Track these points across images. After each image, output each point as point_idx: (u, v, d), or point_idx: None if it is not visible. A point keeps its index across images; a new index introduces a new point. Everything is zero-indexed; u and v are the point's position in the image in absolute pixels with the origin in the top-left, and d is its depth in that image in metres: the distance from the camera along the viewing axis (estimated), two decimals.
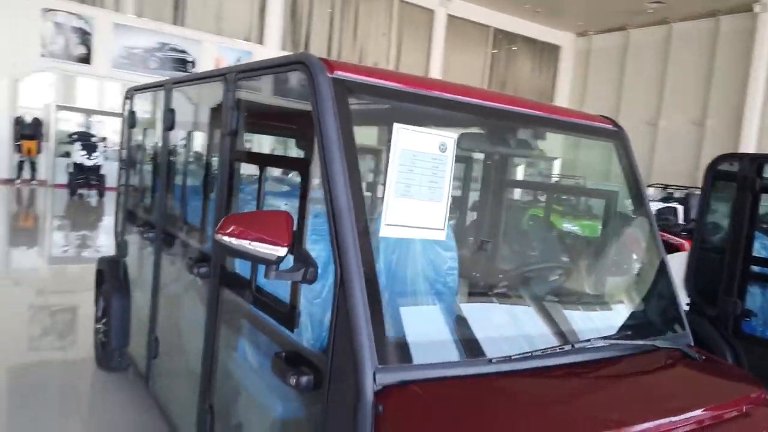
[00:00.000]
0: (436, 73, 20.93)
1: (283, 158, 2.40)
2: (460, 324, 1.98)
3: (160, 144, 3.18)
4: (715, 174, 4.22)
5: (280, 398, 1.92)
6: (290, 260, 1.74)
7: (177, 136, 2.99)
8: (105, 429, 3.28)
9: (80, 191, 13.43)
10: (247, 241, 1.63)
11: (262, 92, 2.19)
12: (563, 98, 24.29)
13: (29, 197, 13.33)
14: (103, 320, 3.78)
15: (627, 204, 2.42)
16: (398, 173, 1.78)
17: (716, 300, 4.12)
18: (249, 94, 2.22)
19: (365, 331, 1.48)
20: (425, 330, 1.82)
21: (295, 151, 3.15)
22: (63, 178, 13.88)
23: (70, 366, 4.08)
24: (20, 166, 14.33)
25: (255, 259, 1.67)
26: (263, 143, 3.10)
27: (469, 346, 1.79)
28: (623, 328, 2.12)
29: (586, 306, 2.32)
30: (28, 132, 14.20)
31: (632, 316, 2.33)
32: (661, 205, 12.14)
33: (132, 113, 3.70)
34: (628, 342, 1.92)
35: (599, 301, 2.40)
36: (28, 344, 4.44)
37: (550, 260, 2.73)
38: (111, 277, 3.75)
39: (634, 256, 2.46)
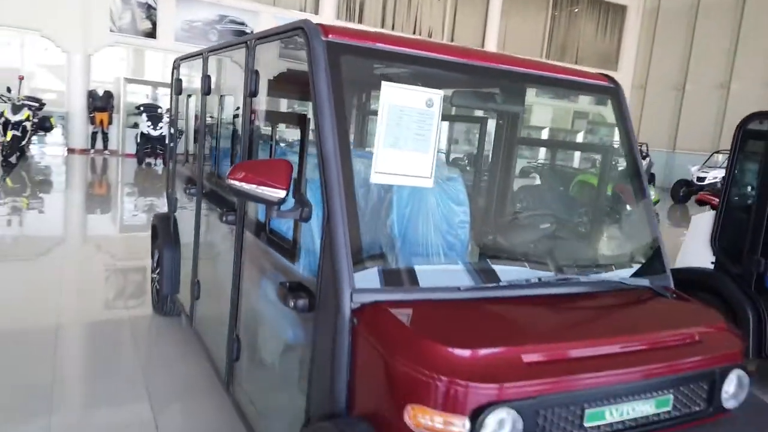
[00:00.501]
0: (492, 40, 20.63)
1: (287, 114, 2.64)
2: (439, 257, 2.21)
3: (199, 108, 3.51)
4: (744, 133, 4.20)
5: (289, 324, 2.22)
6: (292, 202, 2.02)
7: (213, 100, 3.30)
8: (160, 365, 3.71)
9: (147, 160, 14.22)
10: (254, 185, 1.91)
11: (275, 57, 2.43)
12: (628, 63, 23.44)
13: (102, 166, 14.24)
14: (157, 270, 4.20)
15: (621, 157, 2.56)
16: (386, 126, 2.00)
17: (740, 258, 4.14)
18: (265, 58, 2.49)
19: (345, 259, 1.74)
20: (403, 261, 2.06)
21: (300, 109, 3.41)
22: (132, 148, 14.73)
23: (137, 318, 4.55)
24: (93, 136, 15.31)
25: (259, 200, 1.95)
26: (279, 104, 3.35)
27: (444, 276, 2.03)
28: (601, 267, 2.29)
29: (571, 248, 2.50)
30: (100, 104, 15.12)
31: (613, 258, 2.50)
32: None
33: (178, 81, 4.05)
34: (595, 279, 2.10)
35: (585, 245, 2.57)
36: (102, 300, 4.96)
37: (547, 210, 2.89)
38: (162, 231, 4.16)
39: (623, 206, 2.60)
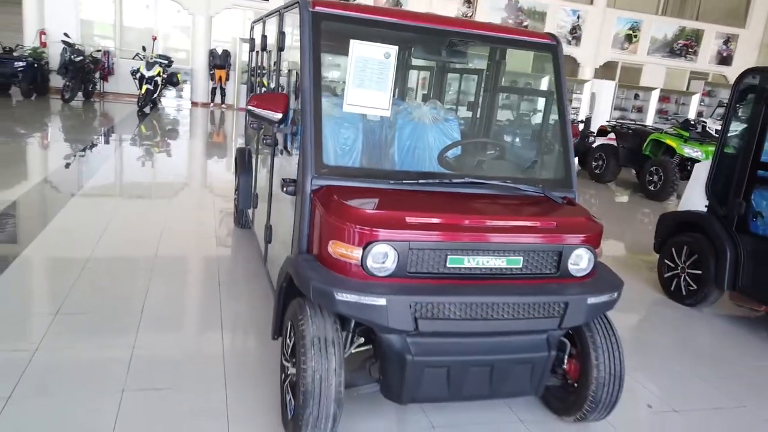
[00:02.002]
0: None
1: (294, 65, 3.53)
2: (384, 161, 3.11)
3: (263, 61, 4.56)
4: (741, 87, 4.60)
5: (289, 206, 3.20)
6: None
7: (268, 55, 4.33)
8: (230, 257, 4.91)
9: None
10: (261, 109, 2.91)
11: (293, 22, 3.37)
12: (758, 20, 21.92)
13: (220, 118, 16.07)
14: (236, 191, 5.39)
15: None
16: (354, 72, 2.89)
17: (727, 202, 4.62)
18: (289, 23, 3.45)
19: (310, 160, 2.69)
20: (350, 163, 2.99)
21: None
22: (245, 103, 16.41)
23: (223, 230, 5.81)
24: (213, 92, 17.21)
25: (266, 120, 2.94)
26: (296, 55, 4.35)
27: (383, 174, 2.93)
28: (521, 181, 3.03)
29: (501, 167, 3.29)
30: (219, 62, 16.93)
31: (533, 175, 3.26)
32: None
33: (252, 40, 5.13)
34: (500, 185, 2.90)
35: (513, 166, 3.35)
36: (215, 235, 6.29)
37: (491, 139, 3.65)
38: (240, 160, 5.33)
39: (549, 141, 3.34)
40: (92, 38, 17.25)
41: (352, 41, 2.86)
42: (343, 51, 2.91)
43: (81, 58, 14.80)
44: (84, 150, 9.24)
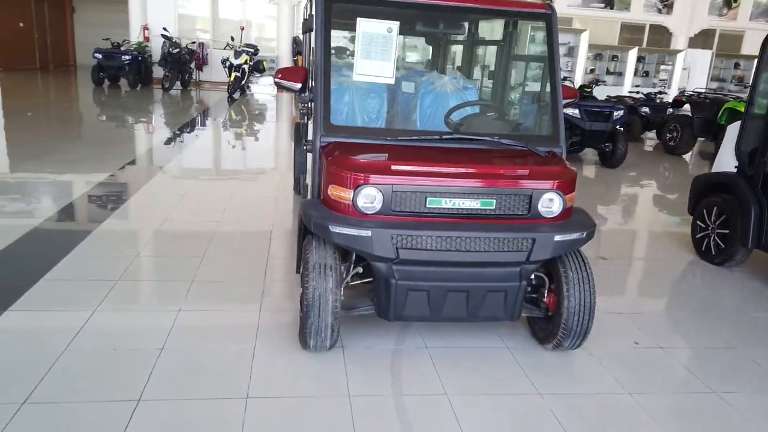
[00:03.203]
0: None
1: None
2: (384, 121, 3.59)
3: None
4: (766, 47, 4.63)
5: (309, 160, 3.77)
6: None
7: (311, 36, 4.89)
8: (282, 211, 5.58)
9: None
10: (284, 80, 3.48)
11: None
12: None
13: None
14: (300, 171, 6.04)
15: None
16: (362, 46, 3.40)
17: (754, 162, 4.70)
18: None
19: (320, 120, 3.23)
20: (355, 123, 3.50)
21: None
22: None
23: (285, 198, 6.50)
24: None
25: (288, 89, 3.51)
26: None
27: (381, 132, 3.42)
28: (505, 136, 3.42)
29: (495, 126, 3.67)
30: (301, 49, 17.84)
31: (520, 130, 3.61)
32: None
33: (305, 20, 5.72)
34: (488, 139, 3.30)
35: (507, 125, 3.71)
36: (276, 200, 7.02)
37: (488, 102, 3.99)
38: (296, 133, 5.97)
39: (541, 102, 3.67)
40: (190, 31, 18.73)
41: (358, 19, 3.35)
42: (352, 27, 3.41)
43: (178, 50, 16.19)
44: (177, 132, 10.34)
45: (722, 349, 3.56)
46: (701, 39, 21.57)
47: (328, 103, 3.28)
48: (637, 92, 13.82)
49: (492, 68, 4.20)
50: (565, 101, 3.68)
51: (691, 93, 11.88)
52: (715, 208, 5.03)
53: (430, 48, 5.37)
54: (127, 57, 15.99)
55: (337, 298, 2.95)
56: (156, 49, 17.04)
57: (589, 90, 9.38)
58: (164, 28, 16.68)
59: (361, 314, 3.18)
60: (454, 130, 3.47)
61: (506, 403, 2.85)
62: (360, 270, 3.20)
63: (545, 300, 3.28)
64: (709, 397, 3.01)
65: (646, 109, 12.64)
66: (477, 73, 4.40)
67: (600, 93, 16.16)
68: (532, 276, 3.33)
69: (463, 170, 3.03)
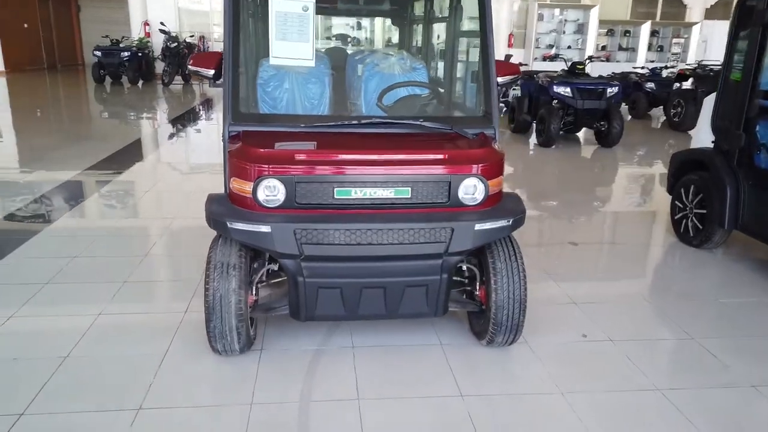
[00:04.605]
0: None
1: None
2: (300, 107, 3.37)
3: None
4: (741, 10, 4.29)
5: None
6: None
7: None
8: None
9: None
10: (196, 66, 3.28)
11: None
12: None
13: None
14: None
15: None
16: (276, 26, 3.18)
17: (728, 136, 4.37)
18: None
19: (228, 103, 3.02)
20: (264, 110, 3.28)
21: None
22: None
23: None
24: None
25: (203, 77, 3.31)
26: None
27: (295, 118, 3.20)
28: (432, 118, 3.17)
29: (424, 107, 3.42)
30: None
31: (448, 111, 3.36)
32: None
33: None
34: (404, 122, 3.06)
35: (435, 106, 3.45)
36: None
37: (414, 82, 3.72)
38: None
39: (473, 82, 3.40)
40: (192, 25, 18.65)
41: None
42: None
43: (176, 44, 16.11)
44: (157, 128, 10.24)
45: (679, 341, 3.29)
46: (720, 9, 20.75)
47: (237, 90, 3.08)
48: (642, 67, 13.32)
49: (428, 46, 3.93)
50: (502, 78, 3.43)
51: (695, 66, 11.37)
52: (692, 186, 4.71)
53: (364, 27, 5.11)
54: (126, 53, 15.97)
55: (242, 299, 2.76)
56: (157, 44, 17.01)
57: (581, 67, 8.99)
58: (161, 23, 16.62)
59: (280, 315, 2.99)
60: (387, 114, 3.24)
61: (421, 406, 2.63)
62: (275, 268, 3.00)
63: (478, 293, 3.05)
64: (649, 396, 2.75)
65: (651, 85, 12.17)
66: (415, 52, 4.13)
67: (604, 70, 15.67)
68: (465, 267, 3.11)
69: (373, 157, 2.79)
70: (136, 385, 2.69)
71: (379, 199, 2.77)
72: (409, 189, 2.77)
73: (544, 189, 6.92)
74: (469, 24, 3.64)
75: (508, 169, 8.06)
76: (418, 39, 3.97)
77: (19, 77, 17.81)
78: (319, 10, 4.60)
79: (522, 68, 11.97)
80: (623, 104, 13.12)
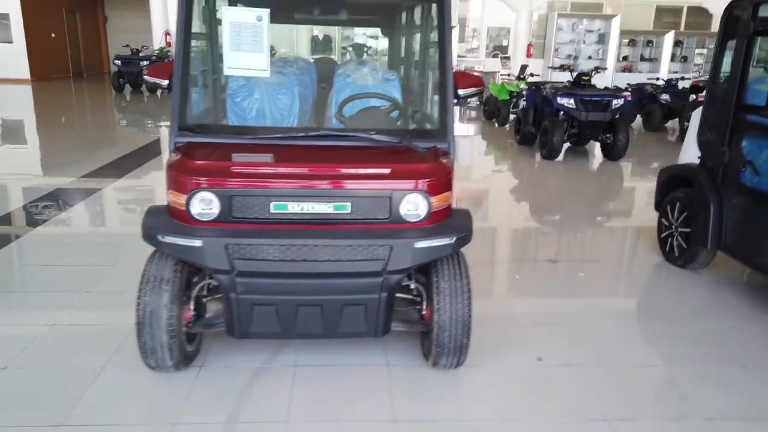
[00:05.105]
0: None
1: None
2: (249, 118, 3.31)
3: None
4: (728, 20, 4.12)
5: None
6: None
7: None
8: None
9: None
10: (150, 77, 3.26)
11: None
12: None
13: None
14: None
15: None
16: (230, 37, 3.14)
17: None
18: None
19: (174, 116, 2.99)
20: (223, 119, 3.22)
21: None
22: None
23: None
24: None
25: (158, 86, 3.29)
26: None
27: (241, 130, 3.14)
28: (385, 131, 3.08)
29: (378, 120, 3.34)
30: None
31: (406, 124, 3.27)
32: None
33: None
34: (357, 135, 2.98)
35: (390, 118, 3.37)
36: None
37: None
38: None
39: (430, 91, 3.31)
40: None
41: (223, 8, 3.11)
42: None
43: None
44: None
45: (640, 367, 3.13)
46: None
47: (185, 100, 3.04)
48: (657, 78, 13.03)
49: (393, 57, 3.85)
50: (464, 91, 3.34)
51: None
52: (678, 204, 4.53)
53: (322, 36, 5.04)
54: (145, 63, 16.22)
55: (174, 314, 2.70)
56: None
57: (587, 78, 8.81)
58: (166, 32, 16.97)
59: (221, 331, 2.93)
60: (346, 126, 3.18)
61: (348, 431, 2.54)
62: (216, 282, 2.94)
63: (425, 312, 2.95)
64: (596, 427, 2.61)
65: (666, 97, 11.89)
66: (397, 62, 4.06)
67: (623, 80, 15.39)
68: (414, 286, 3.01)
69: (311, 171, 2.72)
70: (65, 400, 2.66)
71: (317, 214, 2.69)
72: (349, 204, 2.70)
73: (538, 203, 6.76)
74: (430, 35, 3.55)
75: (507, 181, 7.93)
76: (382, 49, 3.89)
77: (45, 85, 18.26)
78: (281, 19, 4.57)
79: (532, 79, 11.83)
80: (638, 116, 12.85)
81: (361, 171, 2.75)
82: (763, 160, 3.91)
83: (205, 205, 2.65)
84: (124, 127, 11.37)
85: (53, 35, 20.90)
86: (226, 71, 3.17)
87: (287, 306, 2.71)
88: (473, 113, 14.77)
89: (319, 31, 17.37)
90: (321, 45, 15.99)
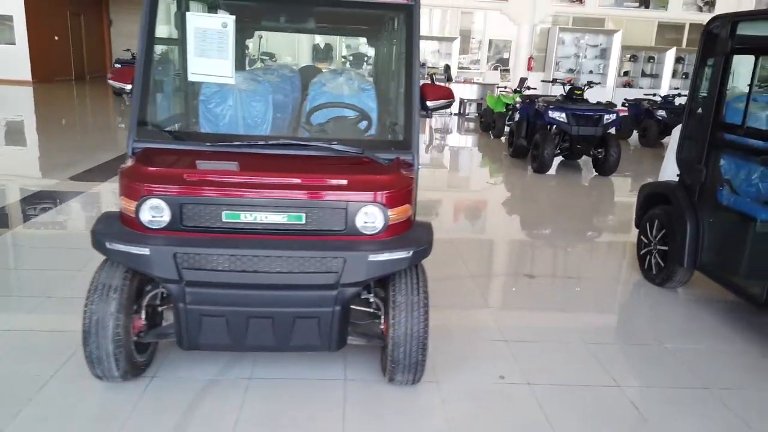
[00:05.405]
0: None
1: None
2: (208, 124, 3.27)
3: None
4: (707, 38, 4.08)
5: None
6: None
7: None
8: None
9: None
10: (114, 81, 3.22)
11: None
12: None
13: None
14: None
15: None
16: (194, 43, 3.10)
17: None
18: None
19: (132, 121, 2.95)
20: (181, 125, 3.18)
21: None
22: None
23: None
24: None
25: (122, 91, 3.25)
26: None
27: (199, 136, 3.09)
28: (345, 141, 3.03)
29: (343, 130, 3.29)
30: None
31: (371, 134, 3.22)
32: None
33: None
34: (320, 145, 2.93)
35: (356, 129, 3.32)
36: None
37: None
38: None
39: (396, 102, 3.26)
40: None
41: (187, 14, 3.07)
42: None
43: None
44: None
45: (603, 388, 3.05)
46: None
47: (145, 104, 3.01)
48: (654, 94, 12.99)
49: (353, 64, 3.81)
50: (433, 103, 3.29)
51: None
52: (656, 221, 4.46)
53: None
54: None
55: (120, 323, 2.64)
56: None
57: (579, 92, 8.76)
58: None
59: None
60: (312, 135, 3.14)
61: None
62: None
63: (382, 327, 2.88)
64: None
65: (662, 113, 11.84)
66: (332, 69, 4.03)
67: (620, 96, 15.36)
68: (373, 299, 2.95)
69: (265, 180, 2.67)
70: (6, 410, 2.59)
71: (271, 224, 2.64)
72: (304, 215, 2.64)
73: (524, 216, 6.70)
74: (399, 45, 3.51)
75: (496, 194, 7.87)
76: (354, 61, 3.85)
77: (46, 87, 18.31)
78: (248, 26, 4.54)
79: (529, 92, 11.80)
80: (634, 131, 12.81)
81: (317, 181, 2.70)
82: (740, 179, 3.85)
83: (155, 212, 2.60)
84: (122, 131, 11.35)
85: (56, 38, 20.99)
86: (190, 77, 3.13)
87: (237, 317, 2.64)
88: (471, 125, 14.74)
89: (320, 39, 17.41)
90: (322, 54, 16.01)
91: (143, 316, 2.80)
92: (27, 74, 19.11)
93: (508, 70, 17.69)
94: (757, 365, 3.37)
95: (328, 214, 2.65)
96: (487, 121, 12.88)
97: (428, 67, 19.08)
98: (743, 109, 3.75)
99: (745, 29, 3.74)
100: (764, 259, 3.44)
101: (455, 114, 16.56)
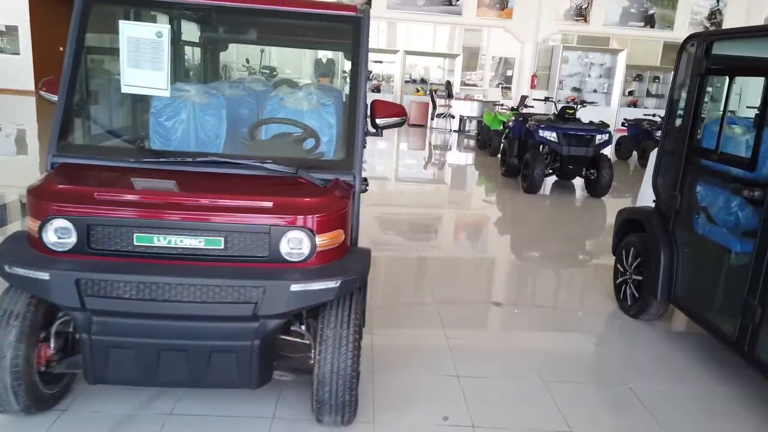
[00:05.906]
0: None
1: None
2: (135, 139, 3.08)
3: None
4: (683, 57, 3.87)
5: None
6: None
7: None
8: None
9: None
10: (47, 92, 3.04)
11: None
12: None
13: None
14: None
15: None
16: (127, 53, 2.92)
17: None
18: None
19: (53, 134, 2.76)
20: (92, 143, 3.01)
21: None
22: None
23: None
24: None
25: (52, 102, 3.07)
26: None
27: (124, 152, 2.91)
28: (279, 159, 2.82)
29: (283, 149, 3.09)
30: None
31: (312, 153, 3.02)
32: None
33: None
34: (251, 164, 2.73)
35: (299, 148, 3.11)
36: None
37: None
38: None
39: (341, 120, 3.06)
40: None
41: (120, 22, 2.89)
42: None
43: None
44: None
45: None
46: None
47: (68, 117, 2.84)
48: (653, 114, 12.75)
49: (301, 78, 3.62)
50: (382, 120, 3.09)
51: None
52: (632, 249, 4.22)
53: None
54: None
55: (20, 353, 2.43)
56: None
57: (572, 111, 8.54)
58: None
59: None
60: (250, 152, 2.95)
61: None
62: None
63: (312, 362, 2.66)
64: None
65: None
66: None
67: (626, 115, 15.12)
68: (304, 332, 2.73)
69: (182, 201, 2.47)
70: None
71: (187, 249, 2.43)
72: (222, 239, 2.44)
73: (507, 239, 6.46)
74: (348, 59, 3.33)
75: (482, 214, 7.64)
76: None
77: None
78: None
79: (526, 110, 11.60)
80: (634, 152, 12.57)
81: (239, 203, 2.49)
82: (718, 207, 3.60)
83: (60, 234, 2.41)
84: None
85: (61, 48, 21.07)
86: (123, 89, 2.94)
87: (147, 350, 2.43)
88: (471, 142, 14.53)
89: (322, 55, 17.31)
90: (323, 68, 15.92)
91: (53, 345, 2.60)
92: (30, 84, 19.16)
93: (509, 88, 17.51)
94: (726, 412, 3.10)
95: (249, 239, 2.45)
96: (484, 138, 12.68)
97: (430, 83, 19.00)
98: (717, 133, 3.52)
99: (720, 49, 3.53)
100: (737, 295, 3.18)
101: (455, 131, 16.37)
